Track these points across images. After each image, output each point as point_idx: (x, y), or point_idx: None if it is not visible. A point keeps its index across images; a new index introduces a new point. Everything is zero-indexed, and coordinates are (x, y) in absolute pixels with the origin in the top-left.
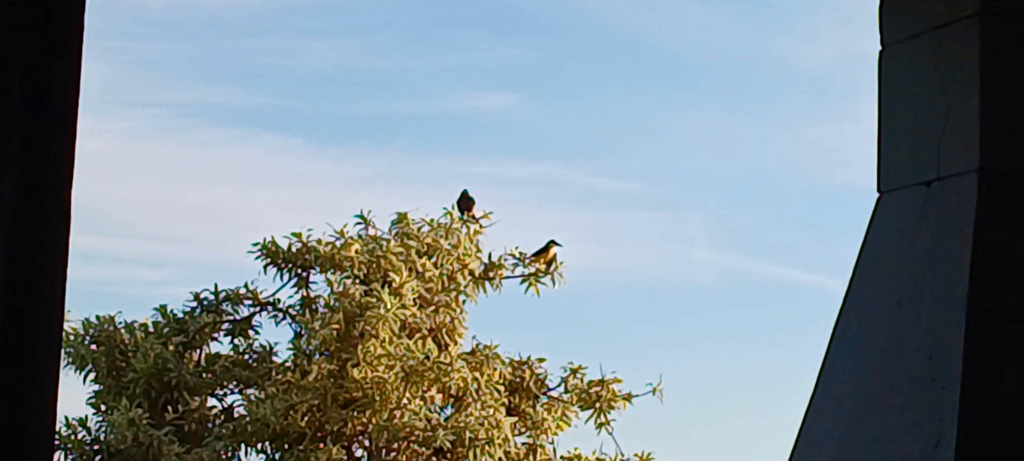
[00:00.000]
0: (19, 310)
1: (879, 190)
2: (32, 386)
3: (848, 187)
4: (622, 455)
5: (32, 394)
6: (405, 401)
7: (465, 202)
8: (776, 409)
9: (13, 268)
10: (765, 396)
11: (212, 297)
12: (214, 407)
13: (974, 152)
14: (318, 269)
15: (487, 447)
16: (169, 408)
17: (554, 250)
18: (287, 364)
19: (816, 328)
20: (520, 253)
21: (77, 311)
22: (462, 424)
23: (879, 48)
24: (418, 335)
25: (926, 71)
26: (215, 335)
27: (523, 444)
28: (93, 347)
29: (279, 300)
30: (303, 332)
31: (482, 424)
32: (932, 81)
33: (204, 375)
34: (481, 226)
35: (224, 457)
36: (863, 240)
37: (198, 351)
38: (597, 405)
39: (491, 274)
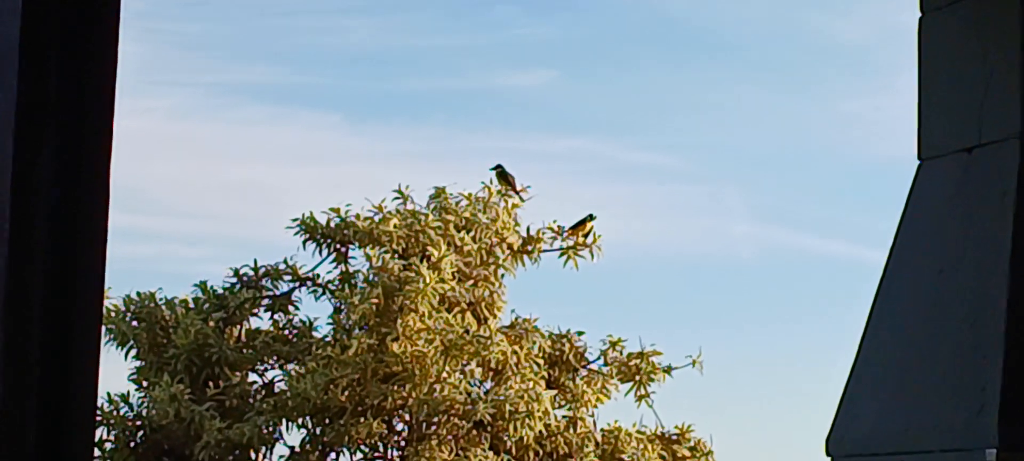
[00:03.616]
0: (59, 288)
1: (920, 157)
2: (73, 363)
3: (887, 160)
4: (662, 427)
5: (73, 371)
6: (445, 375)
7: (503, 175)
8: (817, 380)
9: (53, 246)
10: (806, 367)
11: (251, 273)
12: (255, 382)
13: (1015, 118)
14: (357, 244)
15: (527, 420)
16: (210, 384)
17: (591, 223)
18: (327, 339)
19: (856, 299)
20: (558, 227)
21: (118, 289)
22: (502, 397)
23: (919, 15)
24: (457, 309)
25: (966, 37)
26: (255, 311)
27: (563, 417)
28: (134, 323)
29: (318, 275)
30: (342, 307)
31: (522, 397)
32: (972, 47)
33: (244, 350)
34: (521, 199)
35: (265, 432)
36: (904, 208)
37: (238, 327)
38: (637, 378)
39: (529, 248)
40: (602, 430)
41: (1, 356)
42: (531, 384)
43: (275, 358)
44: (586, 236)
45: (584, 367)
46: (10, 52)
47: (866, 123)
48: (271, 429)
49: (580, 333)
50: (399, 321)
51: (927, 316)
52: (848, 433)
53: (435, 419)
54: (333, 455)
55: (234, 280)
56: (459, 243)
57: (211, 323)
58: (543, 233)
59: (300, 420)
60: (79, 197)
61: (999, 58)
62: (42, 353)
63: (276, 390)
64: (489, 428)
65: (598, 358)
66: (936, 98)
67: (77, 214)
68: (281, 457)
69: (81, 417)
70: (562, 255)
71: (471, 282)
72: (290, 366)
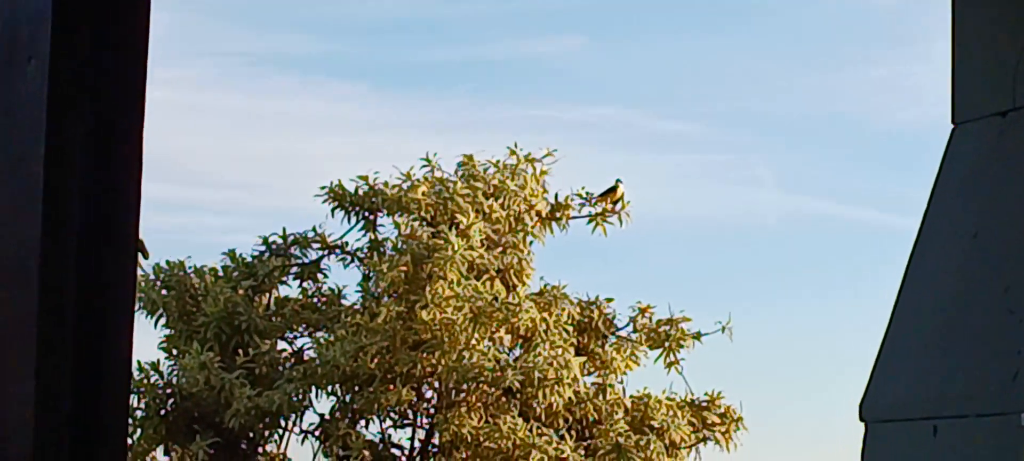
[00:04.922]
0: (93, 257)
1: (953, 122)
2: (107, 332)
3: (915, 127)
4: (692, 394)
5: (107, 340)
6: (474, 342)
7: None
8: (846, 346)
9: (86, 214)
10: (835, 334)
11: (280, 241)
12: (284, 350)
13: None
14: (385, 212)
15: (556, 387)
16: (240, 351)
17: (621, 189)
18: (356, 306)
19: (885, 267)
20: (586, 193)
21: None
22: (531, 364)
23: None
24: (486, 276)
25: None
26: (284, 279)
27: (592, 384)
28: (164, 292)
29: (347, 243)
30: (371, 274)
31: (551, 364)
32: (1008, 8)
33: (274, 318)
34: (545, 167)
35: (295, 399)
36: (937, 172)
37: (267, 295)
38: (666, 344)
39: (558, 214)
40: (631, 397)
41: (36, 325)
42: (560, 351)
43: (304, 326)
44: (615, 203)
45: (613, 334)
46: (43, 21)
47: (895, 90)
48: (301, 396)
49: (609, 300)
50: (428, 288)
51: (961, 280)
52: (882, 398)
53: (464, 386)
54: (363, 422)
55: (263, 248)
56: (487, 210)
57: (240, 291)
58: (571, 200)
59: (330, 387)
60: (112, 167)
61: None
62: (77, 322)
63: (305, 358)
64: (518, 395)
65: (627, 325)
66: (970, 61)
67: (110, 184)
68: (311, 424)
69: (115, 386)
70: (590, 221)
71: (500, 249)
72: (319, 334)
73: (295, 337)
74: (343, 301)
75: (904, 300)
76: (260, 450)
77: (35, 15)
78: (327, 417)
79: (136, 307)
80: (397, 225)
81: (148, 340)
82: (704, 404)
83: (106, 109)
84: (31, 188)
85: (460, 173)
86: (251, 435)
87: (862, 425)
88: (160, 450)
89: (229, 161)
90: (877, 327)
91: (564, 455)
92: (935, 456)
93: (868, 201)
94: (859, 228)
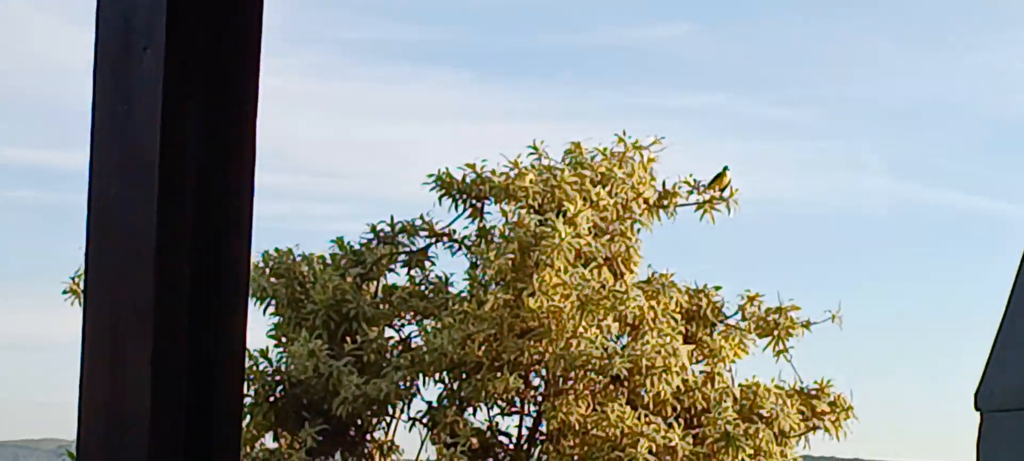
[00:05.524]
0: (208, 243)
1: None
2: (222, 318)
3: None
4: (800, 382)
5: (222, 325)
6: (581, 330)
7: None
8: (955, 335)
9: (201, 202)
10: (948, 323)
11: (388, 229)
12: (392, 337)
13: None
14: (492, 199)
15: (664, 375)
16: (348, 339)
17: (729, 176)
18: (463, 294)
19: (999, 254)
20: (694, 180)
21: (255, 246)
22: (639, 352)
23: None
24: (593, 264)
25: None
26: (392, 266)
27: (700, 372)
28: (272, 279)
29: (454, 231)
30: (478, 262)
31: (659, 352)
32: None
33: (381, 306)
34: (653, 155)
35: (402, 387)
36: None
37: (375, 282)
38: (775, 332)
39: (665, 202)
40: (740, 385)
41: (153, 312)
42: (668, 339)
43: (412, 313)
44: (723, 190)
45: (721, 322)
46: (158, 11)
47: (1008, 75)
48: (408, 384)
49: (717, 288)
50: (535, 276)
51: None
52: (998, 387)
53: (572, 374)
54: (470, 410)
55: (371, 236)
56: (595, 198)
57: (349, 279)
58: (679, 187)
59: (437, 375)
60: (227, 155)
61: None
62: (192, 309)
63: (413, 345)
64: (626, 383)
65: (735, 313)
66: None
67: (225, 172)
68: (418, 412)
69: (231, 371)
70: (698, 209)
71: (607, 237)
72: (427, 321)
73: (403, 325)
74: (450, 289)
75: (1020, 289)
76: (368, 437)
77: (150, 4)
78: (435, 404)
79: None
80: (504, 213)
81: (257, 327)
82: (813, 393)
83: (221, 97)
84: (147, 176)
85: (567, 160)
86: (359, 422)
87: (977, 414)
88: (269, 436)
89: (337, 149)
90: (991, 316)
91: (672, 443)
92: None
93: (981, 188)
94: (972, 215)
